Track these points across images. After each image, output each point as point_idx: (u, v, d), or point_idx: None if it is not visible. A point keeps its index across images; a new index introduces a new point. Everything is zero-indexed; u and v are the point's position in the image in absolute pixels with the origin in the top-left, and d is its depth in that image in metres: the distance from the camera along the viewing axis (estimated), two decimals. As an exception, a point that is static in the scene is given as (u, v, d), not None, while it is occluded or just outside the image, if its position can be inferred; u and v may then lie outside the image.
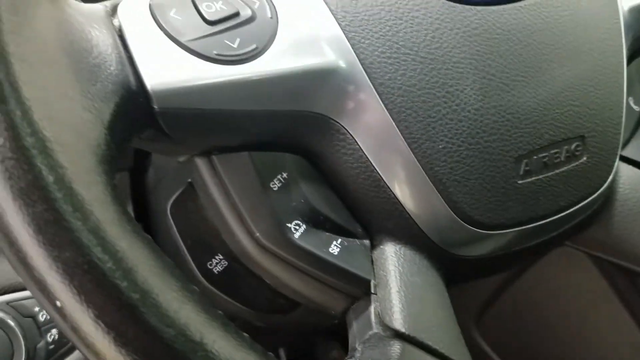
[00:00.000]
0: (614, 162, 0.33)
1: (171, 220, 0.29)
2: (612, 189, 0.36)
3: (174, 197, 0.29)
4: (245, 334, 0.21)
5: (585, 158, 0.31)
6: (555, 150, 0.30)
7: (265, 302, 0.30)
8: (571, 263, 0.58)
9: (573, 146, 0.31)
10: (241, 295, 0.30)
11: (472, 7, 0.29)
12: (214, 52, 0.23)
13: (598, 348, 0.64)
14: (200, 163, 0.27)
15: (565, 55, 0.31)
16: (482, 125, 0.28)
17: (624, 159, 0.37)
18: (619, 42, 0.34)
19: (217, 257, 0.29)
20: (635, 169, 0.37)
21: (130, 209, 0.38)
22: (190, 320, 0.19)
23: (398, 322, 0.26)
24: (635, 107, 0.38)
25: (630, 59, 0.39)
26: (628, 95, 0.38)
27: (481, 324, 0.68)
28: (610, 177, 0.33)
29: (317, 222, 0.28)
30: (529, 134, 0.29)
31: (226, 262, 0.29)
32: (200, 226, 0.29)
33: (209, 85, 0.23)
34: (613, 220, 0.35)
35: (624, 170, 0.36)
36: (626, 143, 0.38)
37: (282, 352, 0.52)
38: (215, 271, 0.29)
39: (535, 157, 0.30)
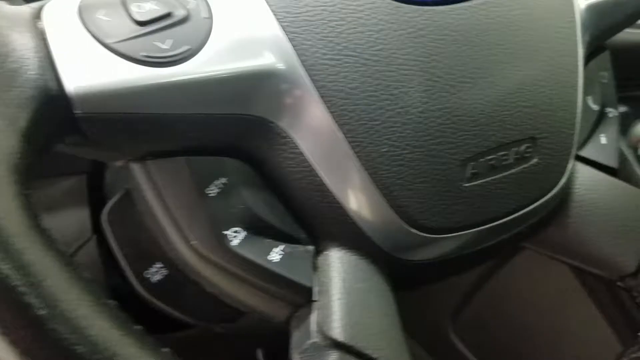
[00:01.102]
0: (567, 163, 0.33)
1: (109, 228, 0.29)
2: (568, 189, 0.35)
3: (111, 204, 0.29)
4: (165, 349, 0.20)
5: (536, 160, 0.31)
6: (504, 153, 0.30)
7: (209, 310, 0.29)
8: (543, 262, 0.58)
9: (522, 148, 0.30)
10: (183, 304, 0.29)
11: (419, 7, 0.28)
12: (141, 54, 0.23)
13: (572, 346, 0.64)
14: (136, 168, 0.26)
15: (516, 55, 0.30)
16: (427, 128, 0.27)
17: (581, 159, 0.36)
18: (573, 40, 0.33)
19: (156, 266, 0.28)
20: (592, 170, 0.36)
21: (87, 214, 0.37)
22: (103, 336, 0.18)
23: (337, 330, 0.25)
24: (594, 107, 0.38)
25: (589, 58, 0.38)
26: (586, 94, 0.38)
27: (457, 324, 0.68)
28: (563, 179, 0.33)
29: (258, 228, 0.27)
30: (475, 136, 0.29)
31: (166, 271, 0.28)
32: (138, 234, 0.28)
33: (134, 89, 0.22)
34: (568, 221, 0.35)
35: (581, 171, 0.36)
36: (584, 143, 0.37)
37: (259, 354, 0.51)
38: (154, 280, 0.28)
39: (482, 159, 0.29)
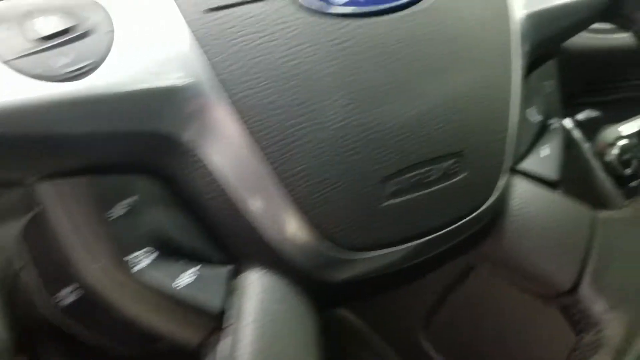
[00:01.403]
0: (499, 178, 0.32)
1: (23, 246, 0.28)
2: (504, 204, 0.35)
3: (25, 221, 0.28)
4: None
5: (463, 175, 0.30)
6: (429, 168, 0.29)
7: (123, 334, 0.28)
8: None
9: (449, 163, 0.30)
10: (98, 326, 0.28)
11: (340, 20, 0.27)
12: (39, 70, 0.22)
13: (538, 353, 0.63)
14: (43, 187, 0.26)
15: (444, 68, 0.30)
16: (346, 144, 0.27)
17: (520, 172, 0.36)
18: (507, 51, 0.33)
19: (70, 287, 0.28)
20: (530, 183, 0.36)
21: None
22: None
23: (246, 356, 0.25)
24: (536, 118, 0.37)
25: (531, 67, 0.37)
26: (528, 105, 0.37)
27: (429, 330, 0.67)
28: (494, 195, 0.32)
29: (171, 248, 0.26)
30: (397, 152, 0.28)
31: (81, 292, 0.28)
32: (51, 254, 0.27)
33: (31, 106, 0.22)
34: (504, 237, 0.35)
35: (519, 185, 0.35)
36: (524, 155, 0.37)
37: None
38: (67, 301, 0.27)
39: (405, 176, 0.28)
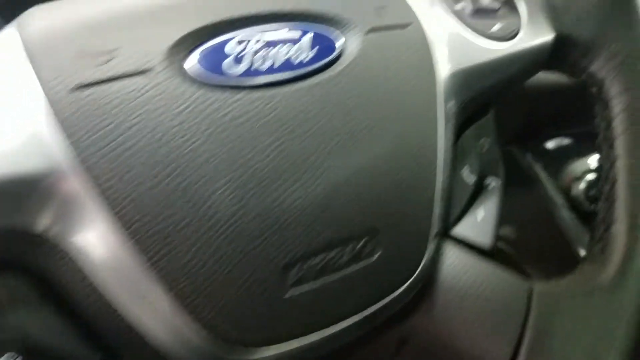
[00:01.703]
0: (426, 248, 0.30)
1: None
2: (434, 273, 0.32)
3: None
4: None
5: (380, 253, 0.28)
6: (338, 251, 0.27)
7: None
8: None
9: (362, 243, 0.27)
10: None
11: (234, 92, 0.25)
12: None
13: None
14: None
15: (355, 139, 0.27)
16: (238, 232, 0.24)
17: (452, 238, 0.33)
18: (433, 112, 0.30)
19: None
20: (462, 251, 0.33)
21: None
22: None
23: None
24: (469, 179, 0.34)
25: (464, 125, 0.35)
26: (462, 165, 0.35)
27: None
28: (422, 266, 0.30)
29: (39, 352, 0.24)
30: (299, 236, 0.25)
31: None
32: None
33: None
34: (434, 309, 0.32)
35: (451, 252, 0.33)
36: (458, 220, 0.34)
37: None
38: None
39: (309, 262, 0.26)
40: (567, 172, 0.65)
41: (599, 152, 0.37)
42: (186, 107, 0.24)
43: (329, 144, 0.26)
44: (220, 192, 0.24)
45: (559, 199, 0.62)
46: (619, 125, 0.35)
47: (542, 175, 0.62)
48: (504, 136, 0.62)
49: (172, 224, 0.23)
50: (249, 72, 0.25)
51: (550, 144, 0.66)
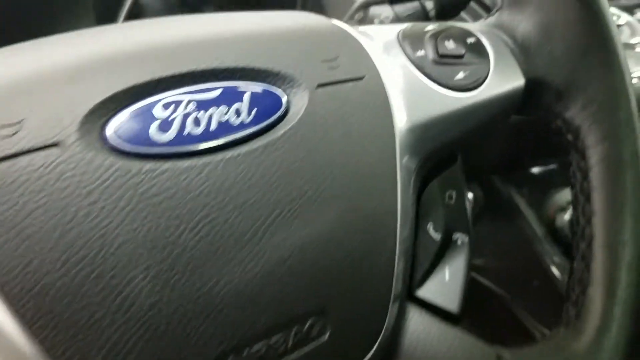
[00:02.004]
0: (385, 317, 0.27)
1: None
2: (397, 342, 0.29)
3: None
4: None
5: (331, 331, 0.25)
6: (279, 337, 0.24)
7: None
8: None
9: (308, 324, 0.25)
10: None
11: (160, 162, 0.22)
12: None
13: None
14: None
15: (299, 209, 0.24)
16: (159, 325, 0.22)
17: (416, 300, 0.31)
18: (392, 168, 0.28)
19: None
20: (429, 315, 0.30)
21: None
22: None
23: None
24: (435, 235, 0.32)
25: (430, 177, 0.33)
26: (426, 221, 0.32)
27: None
28: (380, 339, 0.27)
29: None
30: (233, 324, 0.23)
31: None
32: None
33: None
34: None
35: (414, 317, 0.30)
36: (423, 280, 0.31)
37: None
38: None
39: (245, 352, 0.23)
40: (551, 202, 0.63)
41: (575, 204, 0.34)
42: (102, 183, 0.21)
43: (269, 217, 0.24)
44: (138, 279, 0.21)
45: (540, 231, 0.60)
46: (595, 177, 0.33)
47: (524, 206, 0.60)
48: (485, 165, 0.60)
49: (82, 320, 0.20)
50: (179, 139, 0.23)
51: (534, 172, 0.64)
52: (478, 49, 0.33)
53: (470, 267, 0.33)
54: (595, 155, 0.33)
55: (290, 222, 0.24)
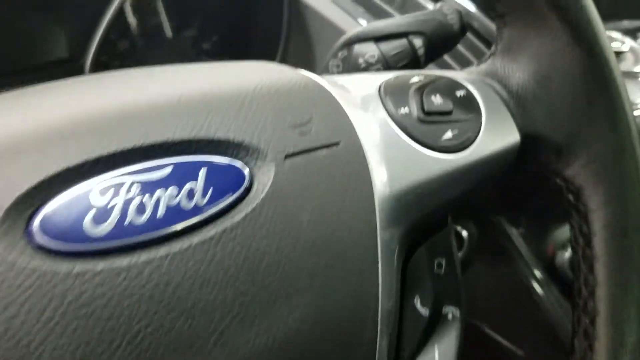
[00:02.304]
0: None
1: None
2: None
3: None
4: None
5: None
6: None
7: None
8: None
9: None
10: None
11: (92, 263, 0.19)
12: None
13: None
14: None
15: (261, 308, 0.21)
16: None
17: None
18: (370, 245, 0.25)
19: None
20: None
21: None
22: None
23: None
24: (422, 310, 0.29)
25: (415, 246, 0.29)
26: (413, 295, 0.29)
27: None
28: None
29: None
30: None
31: None
32: None
33: None
34: None
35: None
36: (411, 358, 0.28)
37: None
38: None
39: None
40: (550, 239, 0.59)
41: (577, 272, 0.31)
42: (23, 292, 0.18)
43: (224, 321, 0.20)
44: None
45: (538, 271, 0.56)
46: (599, 245, 0.30)
47: (521, 243, 0.57)
48: (480, 205, 0.56)
49: None
50: (119, 230, 0.19)
51: (532, 208, 0.61)
52: (468, 103, 0.29)
53: (463, 344, 0.30)
54: (599, 220, 0.30)
55: (250, 325, 0.21)
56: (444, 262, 0.30)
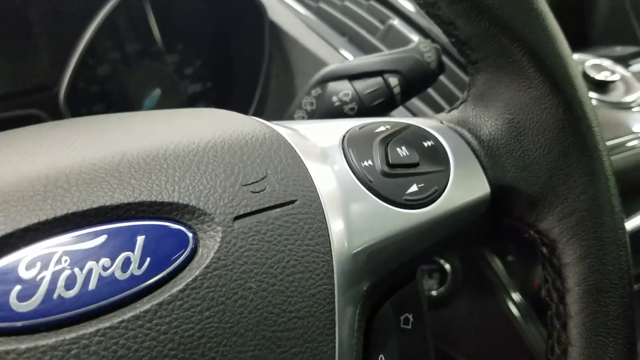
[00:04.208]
0: None
1: None
2: None
3: None
4: None
5: None
6: None
7: None
8: None
9: None
10: None
11: (15, 343, 0.18)
12: None
13: None
14: None
15: None
16: None
17: None
18: (328, 308, 0.23)
19: None
20: None
21: None
22: None
23: None
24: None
25: (384, 298, 0.28)
26: (378, 352, 0.28)
27: None
28: None
29: None
30: None
31: None
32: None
33: None
34: None
35: None
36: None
37: None
38: None
39: None
40: (536, 272, 0.58)
41: (550, 329, 0.30)
42: None
43: None
44: None
45: (524, 307, 0.55)
46: (573, 303, 0.28)
47: (506, 278, 0.56)
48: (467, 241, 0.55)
49: None
50: (46, 306, 0.18)
51: (518, 240, 0.60)
52: (436, 154, 0.28)
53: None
54: (573, 276, 0.28)
55: None
56: (411, 317, 0.29)
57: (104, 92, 0.56)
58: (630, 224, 0.59)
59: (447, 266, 0.54)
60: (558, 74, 0.28)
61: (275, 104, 0.56)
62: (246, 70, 0.56)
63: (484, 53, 0.29)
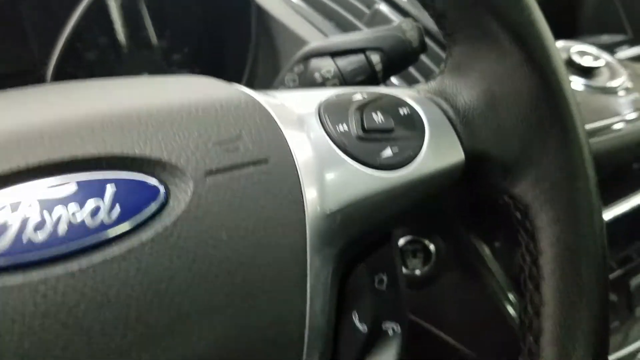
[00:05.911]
0: None
1: None
2: None
3: None
4: None
5: None
6: None
7: None
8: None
9: None
10: None
11: None
12: None
13: None
14: None
15: (171, 334, 0.20)
16: None
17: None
18: (299, 267, 0.24)
19: None
20: None
21: None
22: None
23: None
24: (360, 326, 0.28)
25: (359, 258, 0.29)
26: (351, 310, 0.28)
27: None
28: None
29: None
30: None
31: None
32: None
33: None
34: None
35: None
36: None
37: None
38: None
39: None
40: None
41: (523, 289, 0.30)
42: None
43: (125, 339, 0.20)
44: None
45: (508, 289, 0.55)
46: (546, 264, 0.29)
47: (492, 261, 0.56)
48: (450, 222, 0.56)
49: None
50: (15, 247, 0.19)
51: (502, 224, 0.60)
52: (411, 121, 0.29)
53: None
54: (546, 239, 0.29)
55: (157, 344, 0.20)
56: (385, 278, 0.29)
57: (92, 77, 0.56)
58: (616, 211, 0.60)
59: (432, 246, 0.55)
60: (532, 44, 0.29)
61: (263, 88, 0.57)
62: (234, 55, 0.57)
63: (460, 25, 0.30)
